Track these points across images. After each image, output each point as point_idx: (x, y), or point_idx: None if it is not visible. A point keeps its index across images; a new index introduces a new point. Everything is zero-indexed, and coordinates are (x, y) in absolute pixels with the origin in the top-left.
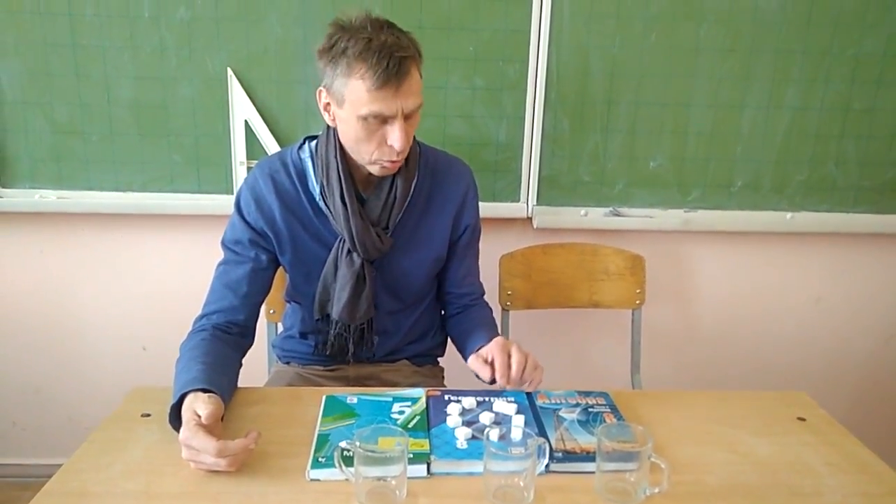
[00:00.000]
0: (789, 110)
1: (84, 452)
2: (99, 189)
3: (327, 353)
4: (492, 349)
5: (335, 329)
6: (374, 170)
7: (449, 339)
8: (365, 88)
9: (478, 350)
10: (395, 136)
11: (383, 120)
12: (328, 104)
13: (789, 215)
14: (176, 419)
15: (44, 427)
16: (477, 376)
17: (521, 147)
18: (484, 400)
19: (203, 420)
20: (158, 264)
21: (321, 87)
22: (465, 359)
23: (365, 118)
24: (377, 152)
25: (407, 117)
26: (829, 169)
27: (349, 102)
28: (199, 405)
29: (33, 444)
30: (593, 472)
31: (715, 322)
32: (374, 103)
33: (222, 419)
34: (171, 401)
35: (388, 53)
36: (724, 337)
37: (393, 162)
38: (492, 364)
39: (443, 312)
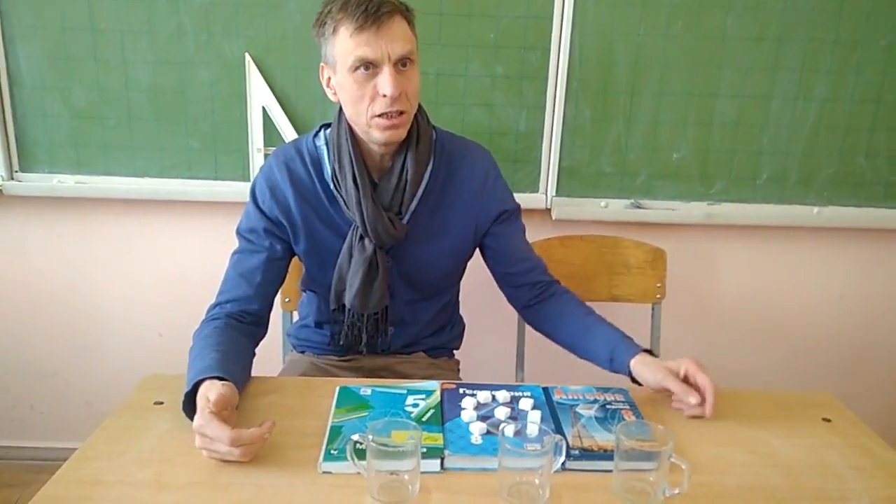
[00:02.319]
0: (818, 101)
1: (96, 440)
2: (117, 174)
3: (340, 342)
4: (693, 371)
5: (349, 318)
6: (377, 135)
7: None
8: (348, 35)
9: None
10: (385, 81)
11: (373, 69)
12: (328, 78)
13: (816, 209)
14: (190, 407)
15: (62, 410)
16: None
17: (542, 136)
18: (499, 394)
19: (211, 406)
20: (175, 250)
21: (321, 64)
22: (594, 359)
23: (355, 69)
24: (373, 106)
25: (399, 69)
26: (859, 162)
27: (339, 60)
28: (213, 392)
29: (51, 428)
30: (611, 471)
31: (737, 318)
32: (358, 48)
33: (236, 408)
34: (185, 388)
35: (367, 0)
36: (747, 333)
37: (391, 118)
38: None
39: (516, 304)
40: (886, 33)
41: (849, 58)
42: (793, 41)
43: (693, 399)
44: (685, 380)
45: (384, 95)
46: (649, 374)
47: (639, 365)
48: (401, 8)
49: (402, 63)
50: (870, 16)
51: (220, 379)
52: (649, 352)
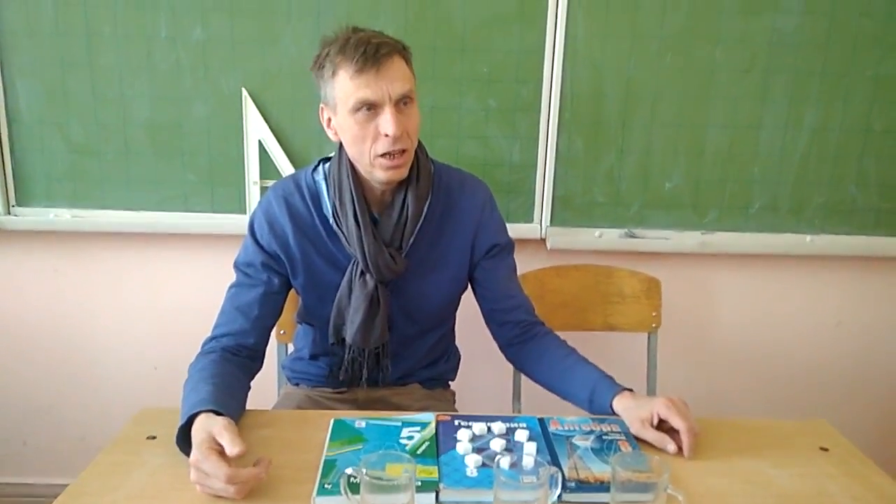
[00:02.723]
0: (808, 131)
1: (89, 475)
2: (113, 208)
3: (341, 377)
4: (665, 415)
5: (349, 353)
6: (380, 175)
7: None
8: (348, 77)
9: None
10: (387, 122)
11: (374, 110)
12: (329, 119)
13: (808, 238)
14: (183, 440)
15: (55, 446)
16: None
17: (535, 167)
18: (494, 425)
19: (228, 450)
20: (172, 284)
21: (321, 105)
22: (575, 401)
23: (355, 111)
24: (375, 146)
25: (399, 108)
26: (849, 191)
27: (340, 101)
28: (216, 428)
29: (44, 464)
30: (607, 503)
31: (732, 346)
32: (359, 90)
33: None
34: (180, 422)
35: (365, 41)
36: (742, 362)
37: (393, 157)
38: (667, 430)
39: (498, 341)
40: (873, 63)
41: (836, 88)
42: (781, 72)
43: (671, 447)
44: (662, 423)
45: (386, 135)
46: (626, 423)
47: (618, 409)
48: (398, 48)
49: (402, 102)
50: (856, 46)
51: (216, 413)
52: (629, 390)
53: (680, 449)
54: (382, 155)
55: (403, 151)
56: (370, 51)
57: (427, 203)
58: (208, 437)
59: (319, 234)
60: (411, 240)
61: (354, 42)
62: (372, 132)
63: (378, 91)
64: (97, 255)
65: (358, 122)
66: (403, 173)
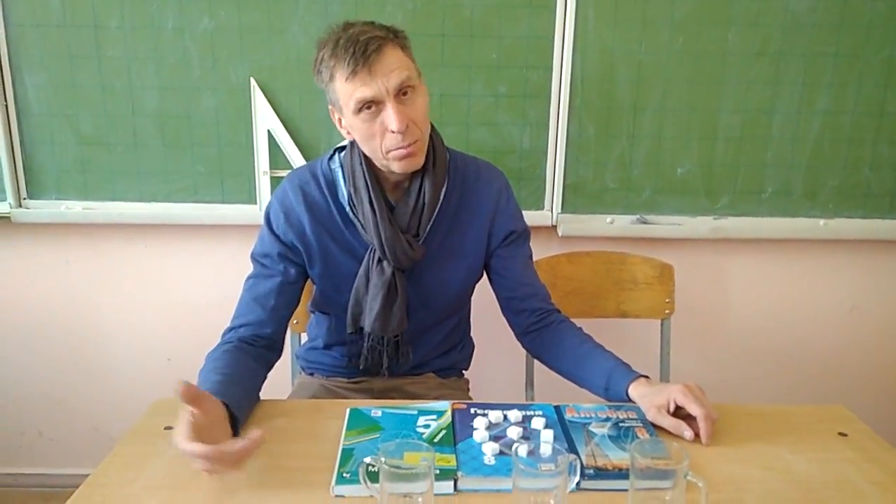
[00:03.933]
0: (821, 114)
1: (107, 466)
2: (124, 200)
3: (360, 366)
4: (682, 402)
5: (369, 342)
6: (395, 166)
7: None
8: (343, 80)
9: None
10: (391, 118)
11: (376, 107)
12: (339, 119)
13: (822, 222)
14: None
15: (70, 437)
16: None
17: (546, 154)
18: (510, 413)
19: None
20: (182, 274)
21: (329, 106)
22: (591, 388)
23: (359, 111)
24: (385, 142)
25: (400, 98)
26: (864, 174)
27: (343, 104)
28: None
29: (59, 454)
30: (626, 490)
31: (746, 332)
32: (357, 91)
33: (237, 434)
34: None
35: (354, 40)
36: (756, 347)
37: (404, 148)
38: (683, 416)
39: (515, 329)
40: (887, 45)
41: (850, 70)
42: (794, 55)
43: (687, 434)
44: (679, 409)
45: (392, 131)
46: (643, 411)
47: (634, 396)
48: (389, 36)
49: (402, 92)
50: (870, 28)
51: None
52: (646, 377)
53: (697, 435)
54: (393, 149)
55: (414, 141)
56: (359, 50)
57: (443, 190)
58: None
59: (336, 223)
60: (428, 227)
61: (344, 43)
62: (379, 129)
63: (375, 88)
64: (108, 246)
65: (363, 121)
66: (419, 161)
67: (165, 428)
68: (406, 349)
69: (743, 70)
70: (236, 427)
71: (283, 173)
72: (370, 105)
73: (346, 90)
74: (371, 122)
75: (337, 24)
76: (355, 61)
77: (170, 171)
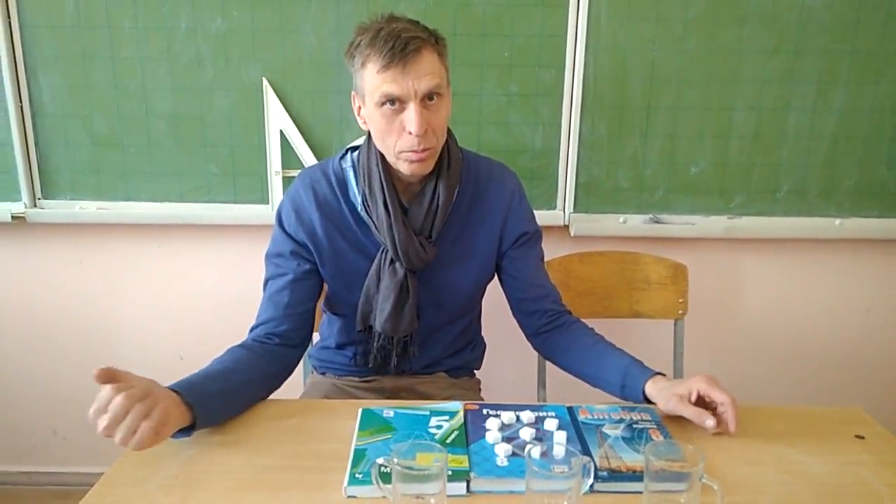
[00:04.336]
0: (837, 112)
1: (121, 466)
2: (137, 200)
3: (370, 365)
4: (706, 390)
5: (378, 341)
6: (403, 168)
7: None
8: (375, 71)
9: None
10: (411, 120)
11: (399, 105)
12: (359, 107)
13: (838, 221)
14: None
15: (84, 435)
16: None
17: (558, 153)
18: (523, 414)
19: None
20: (195, 274)
21: (353, 92)
22: (606, 387)
23: (381, 104)
24: (399, 142)
25: (426, 103)
26: (880, 172)
27: (367, 93)
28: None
29: (74, 453)
30: (641, 493)
31: (760, 333)
32: (385, 85)
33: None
34: None
35: (395, 35)
36: (770, 349)
37: (417, 153)
38: (702, 406)
39: (526, 330)
40: None
41: (866, 68)
42: (809, 53)
43: (710, 422)
44: (700, 400)
45: (410, 132)
46: (661, 403)
47: (651, 392)
48: (430, 40)
49: (429, 97)
50: (886, 25)
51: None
52: (662, 374)
53: (719, 424)
54: (406, 151)
55: (428, 148)
56: (398, 46)
57: (456, 191)
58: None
59: (347, 222)
60: (440, 228)
61: (385, 35)
62: (397, 127)
63: (404, 87)
64: (121, 246)
65: (384, 115)
66: (428, 168)
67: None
68: (414, 349)
69: (757, 68)
70: (198, 421)
71: (295, 173)
72: (394, 101)
73: (374, 81)
74: (391, 118)
75: (382, 15)
76: (392, 55)
77: (183, 172)
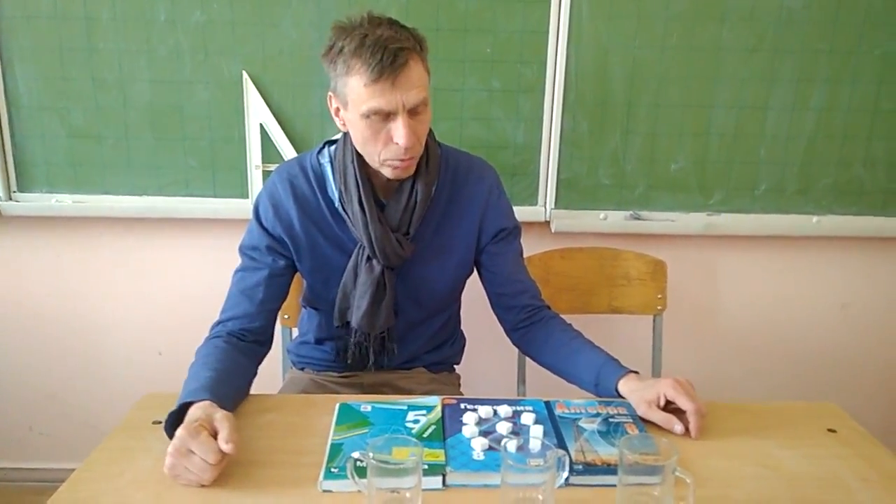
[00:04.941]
0: (815, 111)
1: (94, 460)
2: (115, 193)
3: (348, 361)
4: (672, 396)
5: (355, 337)
6: (387, 172)
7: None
8: (362, 84)
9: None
10: (400, 133)
11: (386, 117)
12: (337, 108)
13: (815, 219)
14: (172, 426)
15: (61, 431)
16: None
17: (539, 149)
18: (500, 408)
19: (222, 443)
20: (174, 268)
21: (329, 92)
22: (581, 384)
23: (367, 116)
24: (384, 152)
25: (412, 113)
26: (857, 171)
27: (351, 102)
28: (218, 415)
29: (51, 449)
30: (615, 486)
31: (738, 329)
32: (373, 99)
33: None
34: (174, 407)
35: (383, 46)
36: (748, 344)
37: (402, 161)
38: (672, 411)
39: (504, 325)
40: (882, 42)
41: (845, 67)
42: (788, 52)
43: (678, 428)
44: (669, 404)
45: (397, 144)
46: (633, 406)
47: (624, 391)
48: (416, 48)
49: (415, 109)
50: (864, 25)
51: (214, 403)
52: (635, 372)
53: (687, 430)
54: (391, 159)
55: (412, 156)
56: (387, 59)
57: (434, 187)
58: (206, 419)
59: (325, 218)
60: (418, 225)
61: (371, 44)
62: (383, 137)
63: (392, 101)
64: (99, 240)
65: (370, 126)
66: (410, 172)
67: (154, 422)
68: (392, 345)
69: (737, 66)
70: None
71: (275, 167)
72: (381, 114)
73: (361, 93)
74: (377, 127)
75: (361, 15)
76: (381, 70)
77: (161, 165)
